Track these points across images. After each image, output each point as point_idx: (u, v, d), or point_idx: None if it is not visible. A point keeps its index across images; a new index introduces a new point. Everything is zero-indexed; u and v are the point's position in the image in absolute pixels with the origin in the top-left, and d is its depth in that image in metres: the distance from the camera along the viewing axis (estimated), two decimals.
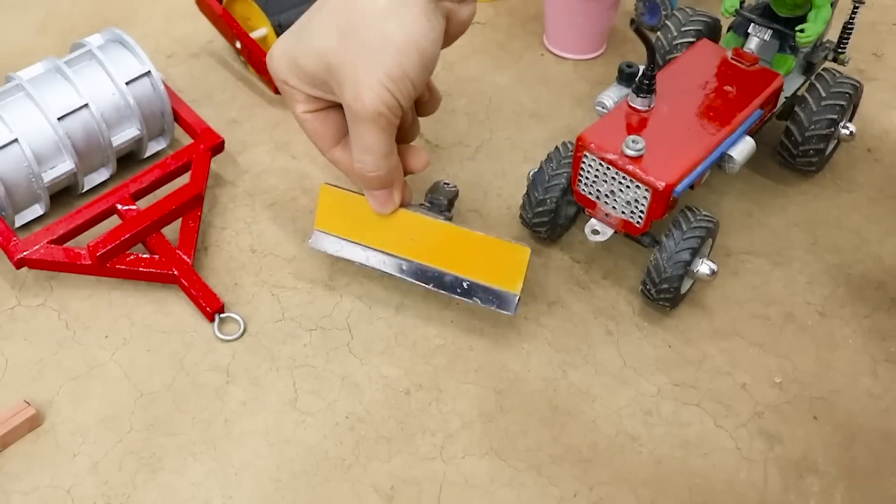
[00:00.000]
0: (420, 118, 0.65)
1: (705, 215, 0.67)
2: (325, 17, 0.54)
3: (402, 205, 0.65)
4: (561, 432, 0.63)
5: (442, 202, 0.67)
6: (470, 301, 0.65)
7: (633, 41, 0.93)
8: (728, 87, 0.70)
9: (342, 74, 0.54)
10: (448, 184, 0.68)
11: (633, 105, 0.67)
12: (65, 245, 0.69)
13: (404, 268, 0.67)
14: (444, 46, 0.58)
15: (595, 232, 0.68)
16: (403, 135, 0.63)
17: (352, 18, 0.53)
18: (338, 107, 0.59)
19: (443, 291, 0.66)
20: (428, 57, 0.55)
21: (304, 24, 0.57)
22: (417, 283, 0.66)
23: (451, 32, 0.57)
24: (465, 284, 0.65)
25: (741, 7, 0.75)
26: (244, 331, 0.68)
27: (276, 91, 0.84)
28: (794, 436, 0.64)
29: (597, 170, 0.65)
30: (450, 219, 0.66)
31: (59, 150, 0.71)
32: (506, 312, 0.65)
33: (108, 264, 0.69)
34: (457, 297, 0.66)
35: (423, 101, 0.63)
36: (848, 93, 0.74)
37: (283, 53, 0.57)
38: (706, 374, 0.67)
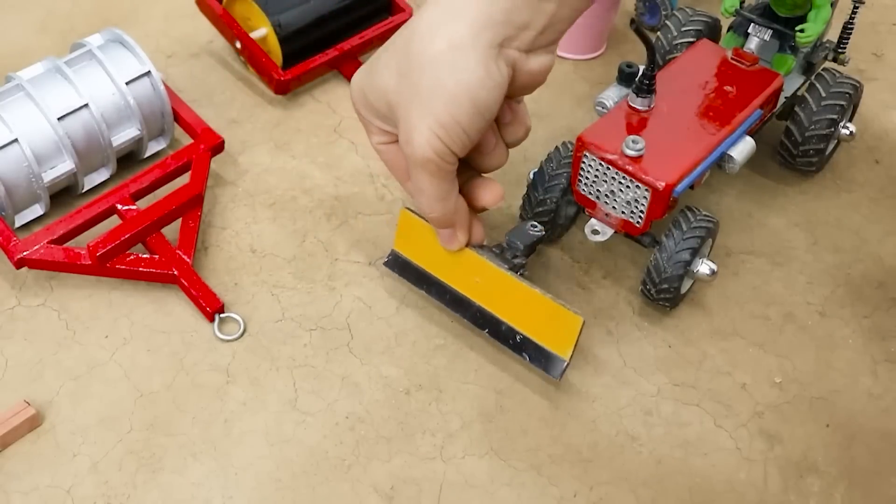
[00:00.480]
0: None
1: (705, 215, 0.67)
2: (388, 55, 0.54)
3: (472, 243, 0.63)
4: (561, 432, 0.63)
5: (518, 247, 0.65)
6: (519, 356, 0.64)
7: (633, 41, 0.93)
8: (728, 87, 0.70)
9: (397, 115, 0.54)
10: (535, 226, 0.66)
11: (633, 105, 0.67)
12: (65, 245, 0.69)
13: (464, 307, 0.66)
14: (514, 96, 0.55)
15: (595, 232, 0.68)
16: (482, 162, 0.60)
17: (409, 59, 0.52)
18: None
19: (496, 340, 0.65)
20: (483, 105, 0.52)
21: (375, 58, 0.56)
22: (474, 326, 0.66)
23: (520, 83, 0.54)
24: (518, 338, 0.64)
25: (741, 7, 0.75)
26: (244, 331, 0.68)
27: (277, 91, 0.84)
28: (794, 436, 0.64)
29: (597, 170, 0.65)
30: (523, 265, 0.65)
31: (59, 150, 0.71)
32: (551, 376, 0.63)
33: (108, 264, 0.69)
34: (508, 348, 0.65)
35: (504, 124, 0.58)
36: (848, 93, 0.74)
37: (356, 86, 0.56)
38: (706, 374, 0.67)
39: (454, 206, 0.59)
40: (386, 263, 0.69)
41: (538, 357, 0.64)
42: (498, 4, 0.51)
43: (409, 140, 0.53)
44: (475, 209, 0.61)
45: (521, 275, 0.64)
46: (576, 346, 0.62)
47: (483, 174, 0.61)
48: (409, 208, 0.66)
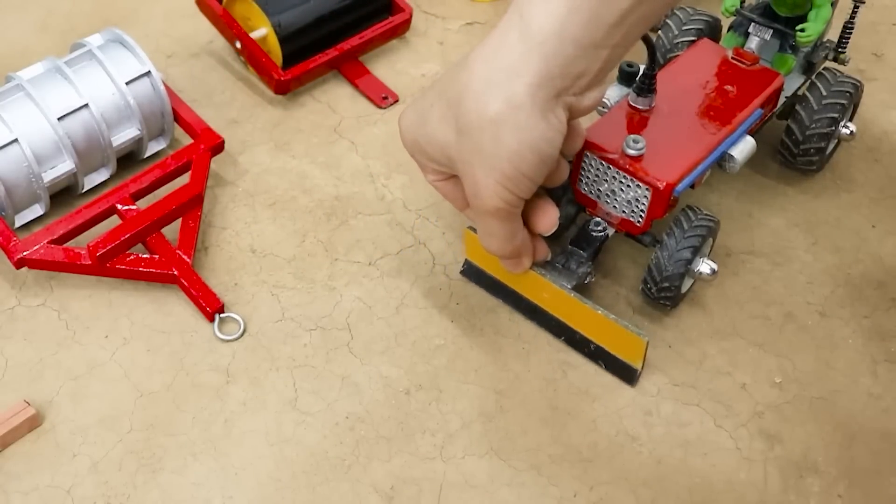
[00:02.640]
0: None
1: (706, 214, 0.67)
2: (444, 110, 0.53)
3: (537, 262, 0.64)
4: (561, 432, 0.63)
5: (581, 254, 0.66)
6: (595, 363, 0.66)
7: None
8: (728, 87, 0.70)
9: (461, 170, 0.54)
10: (598, 226, 0.67)
11: (633, 104, 0.67)
12: (65, 245, 0.69)
13: (539, 316, 0.68)
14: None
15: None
16: (547, 181, 0.60)
17: (466, 118, 0.52)
18: None
19: (572, 347, 0.67)
20: (546, 155, 0.53)
21: (425, 107, 0.55)
22: (550, 334, 0.68)
23: (574, 116, 0.55)
24: (591, 347, 0.66)
25: (741, 7, 0.75)
26: (244, 331, 0.68)
27: (277, 91, 0.84)
28: (794, 436, 0.64)
29: (597, 169, 0.65)
30: (589, 272, 0.67)
31: (59, 150, 0.71)
32: (626, 384, 0.66)
33: (108, 264, 0.69)
34: (583, 355, 0.67)
35: (565, 140, 0.58)
36: (848, 92, 0.74)
37: (409, 135, 0.57)
38: (706, 374, 0.67)
39: (523, 239, 0.60)
40: (462, 272, 0.71)
41: (612, 365, 0.66)
42: (555, 59, 0.51)
43: (477, 194, 0.54)
44: (532, 234, 0.62)
45: (588, 282, 0.67)
46: (644, 360, 0.64)
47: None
48: (471, 227, 0.67)
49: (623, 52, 0.53)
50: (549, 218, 0.62)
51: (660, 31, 0.79)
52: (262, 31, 0.84)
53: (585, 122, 0.66)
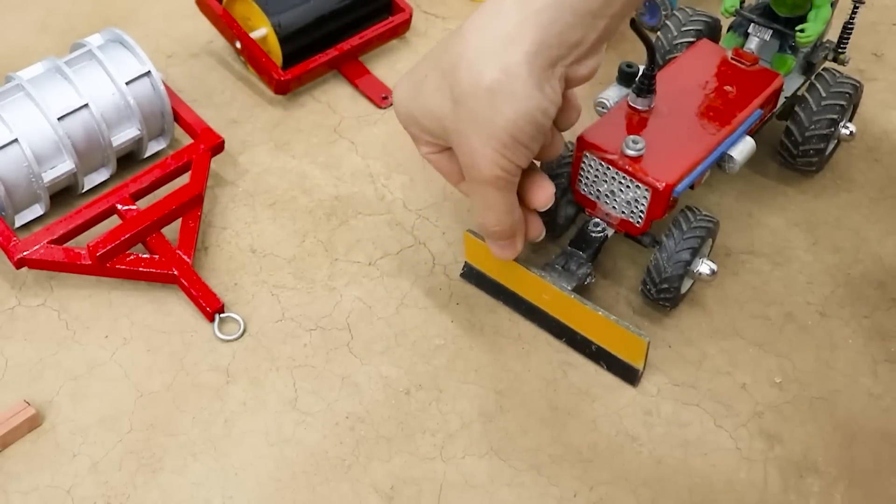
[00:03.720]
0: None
1: (705, 215, 0.67)
2: (438, 80, 0.53)
3: (532, 239, 0.63)
4: (561, 432, 0.63)
5: (580, 258, 0.67)
6: (597, 364, 0.66)
7: (633, 41, 0.93)
8: (728, 87, 0.70)
9: (457, 140, 0.54)
10: (598, 226, 0.67)
11: (633, 105, 0.67)
12: (65, 245, 0.69)
13: (541, 318, 0.68)
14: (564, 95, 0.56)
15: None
16: (540, 155, 0.59)
17: (461, 87, 0.51)
18: None
19: (573, 348, 0.67)
20: (542, 124, 0.52)
21: (419, 78, 0.55)
22: (551, 335, 0.68)
23: (570, 86, 0.55)
24: (593, 347, 0.66)
25: (741, 7, 0.75)
26: (244, 331, 0.68)
27: (277, 91, 0.84)
28: (794, 436, 0.64)
29: (597, 170, 0.65)
30: (589, 273, 0.67)
31: (59, 150, 0.71)
32: (627, 384, 0.66)
33: (108, 264, 0.69)
34: (585, 356, 0.67)
35: (560, 113, 0.58)
36: (848, 93, 0.74)
37: (403, 107, 0.56)
38: (706, 374, 0.67)
39: (519, 216, 0.59)
40: (462, 275, 0.71)
41: (614, 366, 0.66)
42: (552, 27, 0.50)
43: (474, 163, 0.54)
44: (527, 209, 0.61)
45: (588, 283, 0.67)
46: (646, 360, 0.64)
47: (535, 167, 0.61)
48: (470, 231, 0.68)
49: (620, 22, 0.53)
50: (545, 192, 0.61)
51: (659, 32, 0.79)
52: (262, 31, 0.84)
53: (585, 123, 0.66)
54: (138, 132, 0.75)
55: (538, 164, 0.62)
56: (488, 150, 0.53)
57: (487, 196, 0.56)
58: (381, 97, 0.85)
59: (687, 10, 0.79)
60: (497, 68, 0.50)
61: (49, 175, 0.71)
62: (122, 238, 0.69)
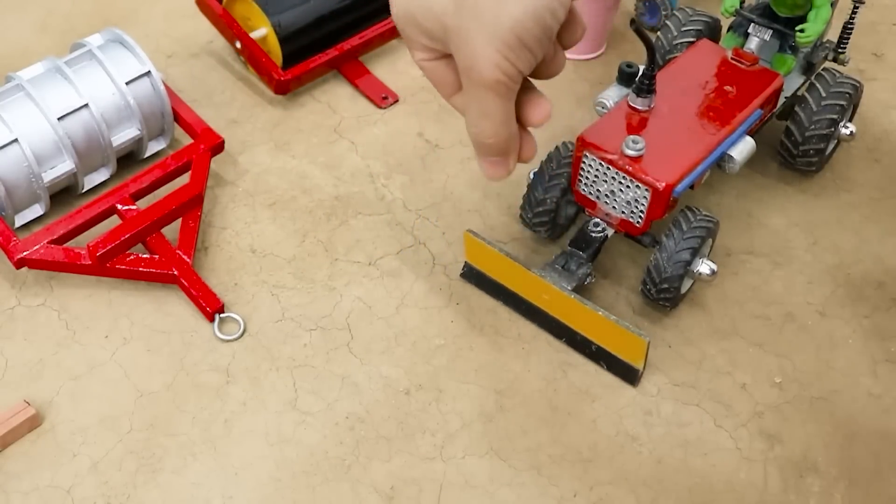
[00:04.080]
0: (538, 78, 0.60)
1: (705, 215, 0.67)
2: None
3: (524, 160, 0.61)
4: (561, 432, 0.63)
5: (580, 258, 0.67)
6: (597, 364, 0.67)
7: (633, 41, 0.93)
8: (728, 87, 0.70)
9: (457, 41, 0.53)
10: (598, 226, 0.67)
11: (633, 105, 0.67)
12: (65, 245, 0.69)
13: (541, 318, 0.68)
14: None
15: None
16: (542, 71, 0.56)
17: None
18: None
19: (573, 348, 0.67)
20: (549, 26, 0.52)
21: None
22: (551, 335, 0.68)
23: None
24: (593, 347, 0.66)
25: (741, 7, 0.75)
26: (244, 331, 0.68)
27: (277, 91, 0.84)
28: (794, 436, 0.64)
29: (597, 170, 0.65)
30: (589, 273, 0.67)
31: (59, 150, 0.71)
32: (628, 384, 0.66)
33: (108, 264, 0.69)
34: (585, 356, 0.67)
35: (564, 28, 0.55)
36: (848, 93, 0.74)
37: (402, 5, 0.55)
38: (706, 374, 0.67)
39: (515, 130, 0.58)
40: (462, 275, 0.71)
41: (614, 366, 0.66)
42: None
43: (474, 65, 0.52)
44: (522, 127, 0.60)
45: (588, 283, 0.67)
46: (646, 360, 0.64)
47: (532, 85, 0.60)
48: (470, 231, 0.68)
49: None
50: (542, 108, 0.59)
51: (659, 32, 0.79)
52: (262, 31, 0.84)
53: (585, 123, 0.66)
54: (138, 132, 0.75)
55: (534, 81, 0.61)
56: (491, 50, 0.52)
57: (485, 103, 0.55)
58: (381, 97, 0.85)
59: (687, 10, 0.79)
60: None
61: (49, 175, 0.71)
62: (122, 238, 0.69)
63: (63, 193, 0.75)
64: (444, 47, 0.56)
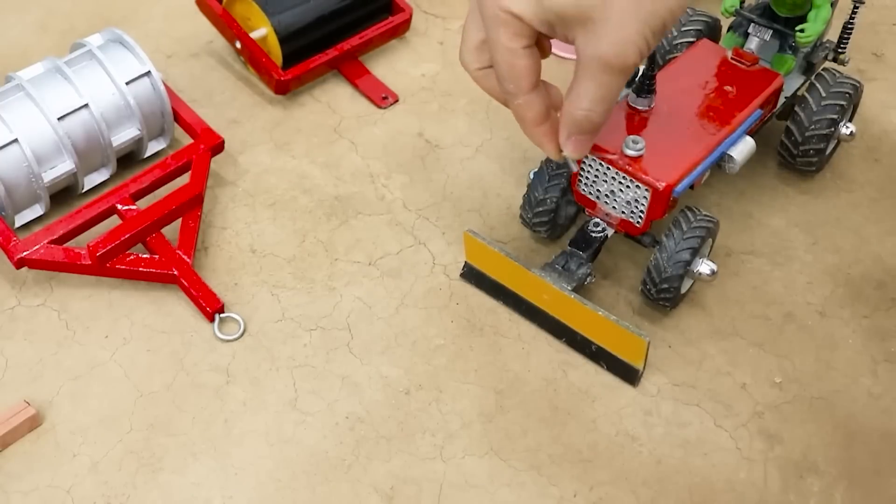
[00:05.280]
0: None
1: (705, 215, 0.67)
2: None
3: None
4: (561, 432, 0.63)
5: (580, 258, 0.67)
6: (597, 364, 0.67)
7: None
8: (728, 87, 0.70)
9: (603, 28, 0.52)
10: (598, 226, 0.67)
11: (633, 105, 0.67)
12: (65, 245, 0.69)
13: (541, 318, 0.68)
14: None
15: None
16: (547, 49, 0.58)
17: None
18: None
19: (573, 349, 0.67)
20: (683, 8, 0.53)
21: None
22: (551, 335, 0.68)
23: None
24: (593, 347, 0.66)
25: (741, 7, 0.75)
26: (244, 331, 0.68)
27: (277, 91, 0.84)
28: (794, 436, 0.64)
29: (597, 170, 0.65)
30: (589, 273, 0.67)
31: (59, 150, 0.71)
32: (628, 384, 0.66)
33: (108, 264, 0.69)
34: (585, 356, 0.67)
35: None
36: (848, 93, 0.74)
37: None
38: (706, 374, 0.67)
39: None
40: (462, 275, 0.71)
41: (614, 366, 0.66)
42: None
43: (619, 51, 0.52)
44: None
45: (588, 283, 0.67)
46: (646, 360, 0.64)
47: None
48: (470, 231, 0.67)
49: None
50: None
51: None
52: (262, 31, 0.84)
53: None
54: (138, 132, 0.75)
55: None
56: (639, 36, 0.52)
57: (612, 85, 0.55)
58: (381, 97, 0.85)
59: (687, 10, 0.79)
60: None
61: (49, 175, 0.71)
62: (122, 238, 0.69)
63: (63, 193, 0.75)
64: (554, 33, 0.55)
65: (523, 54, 0.55)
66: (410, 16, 0.89)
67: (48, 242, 0.69)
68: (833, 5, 0.74)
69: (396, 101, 0.86)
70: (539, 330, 0.68)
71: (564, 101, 0.56)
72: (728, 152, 0.67)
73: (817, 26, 0.72)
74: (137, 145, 0.77)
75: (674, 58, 0.74)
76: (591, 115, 0.56)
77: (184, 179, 0.74)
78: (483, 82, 0.57)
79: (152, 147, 0.78)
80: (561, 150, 0.58)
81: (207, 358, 0.66)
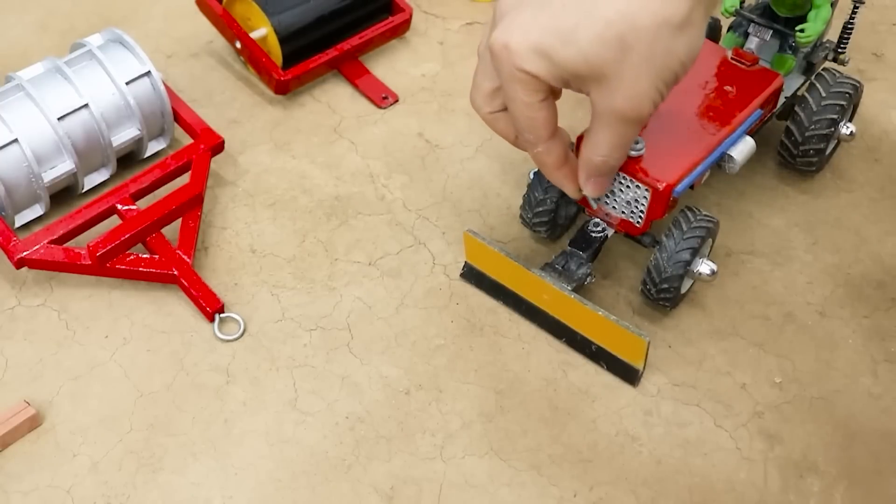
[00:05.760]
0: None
1: (705, 215, 0.67)
2: (599, 28, 0.52)
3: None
4: (561, 432, 0.63)
5: (580, 258, 0.67)
6: (597, 364, 0.67)
7: None
8: (728, 87, 0.70)
9: (616, 83, 0.54)
10: (598, 226, 0.67)
11: None
12: (65, 245, 0.69)
13: (540, 318, 0.68)
14: None
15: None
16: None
17: (636, 34, 0.52)
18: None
19: (573, 349, 0.67)
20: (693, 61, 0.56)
21: (565, 25, 0.54)
22: (551, 335, 0.68)
23: None
24: (593, 347, 0.66)
25: (741, 7, 0.75)
26: (244, 331, 0.68)
27: (277, 91, 0.84)
28: (794, 436, 0.64)
29: None
30: (589, 273, 0.67)
31: (59, 150, 0.71)
32: (628, 384, 0.66)
33: (108, 264, 0.69)
34: (585, 356, 0.67)
35: None
36: (848, 93, 0.74)
37: (534, 50, 0.54)
38: (706, 374, 0.67)
39: None
40: (462, 275, 0.71)
41: (614, 366, 0.66)
42: None
43: (637, 105, 0.54)
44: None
45: (588, 283, 0.67)
46: (646, 360, 0.64)
47: None
48: (470, 231, 0.67)
49: None
50: None
51: None
52: (262, 31, 0.84)
53: (585, 123, 0.66)
54: (138, 132, 0.75)
55: None
56: (653, 89, 0.54)
57: (627, 133, 0.57)
58: (381, 97, 0.85)
59: None
60: (685, 5, 0.52)
61: (49, 175, 0.71)
62: (122, 238, 0.69)
63: (63, 193, 0.75)
64: (568, 86, 0.57)
65: (541, 107, 0.57)
66: (410, 16, 0.89)
67: (48, 242, 0.69)
68: (833, 5, 0.74)
69: (396, 101, 0.86)
70: (539, 330, 0.68)
71: (581, 147, 0.59)
72: (728, 152, 0.67)
73: (817, 26, 0.72)
74: (137, 145, 0.77)
75: None
76: (608, 160, 0.59)
77: (184, 179, 0.74)
78: (495, 125, 0.60)
79: (152, 147, 0.78)
80: (580, 190, 0.61)
81: (207, 358, 0.66)
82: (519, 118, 0.58)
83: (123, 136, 0.75)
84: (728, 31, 0.77)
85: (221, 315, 0.68)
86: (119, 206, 0.71)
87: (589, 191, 0.62)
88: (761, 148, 0.75)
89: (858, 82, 0.76)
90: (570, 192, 0.62)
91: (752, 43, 0.74)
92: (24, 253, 0.68)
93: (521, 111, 0.57)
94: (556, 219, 0.71)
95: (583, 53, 0.54)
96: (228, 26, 0.84)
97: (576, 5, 0.53)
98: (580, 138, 0.65)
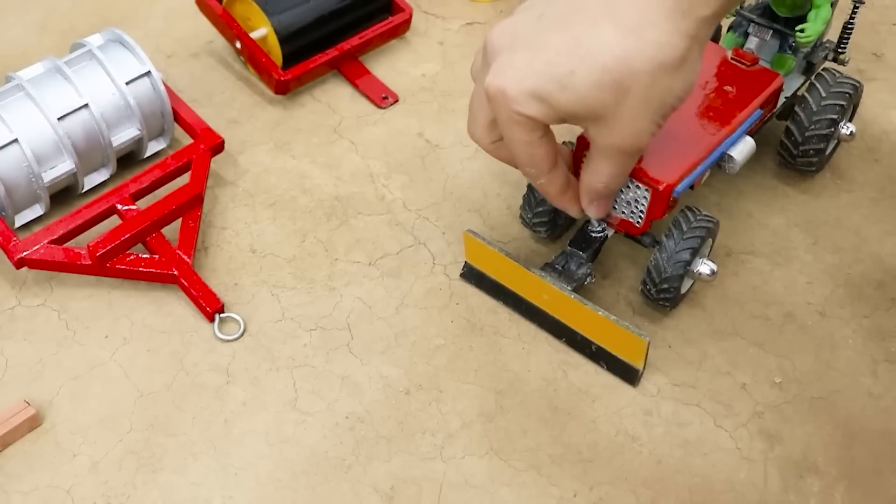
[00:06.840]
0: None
1: (705, 215, 0.67)
2: (596, 73, 0.53)
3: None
4: (561, 432, 0.63)
5: (580, 258, 0.67)
6: (597, 364, 0.67)
7: None
8: (728, 87, 0.70)
9: (614, 122, 0.55)
10: (597, 226, 0.67)
11: None
12: (65, 245, 0.69)
13: (541, 318, 0.68)
14: None
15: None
16: None
17: (633, 78, 0.52)
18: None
19: (573, 348, 0.67)
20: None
21: (561, 70, 0.53)
22: (551, 335, 0.68)
23: None
24: (593, 347, 0.66)
25: (741, 7, 0.75)
26: (244, 331, 0.68)
27: (277, 91, 0.84)
28: (794, 436, 0.64)
29: None
30: (589, 273, 0.67)
31: (59, 150, 0.71)
32: (628, 384, 0.66)
33: (108, 264, 0.69)
34: (585, 356, 0.67)
35: None
36: (848, 93, 0.74)
37: (531, 96, 0.54)
38: (706, 374, 0.67)
39: None
40: (462, 275, 0.71)
41: (614, 366, 0.66)
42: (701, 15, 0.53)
43: (636, 142, 0.55)
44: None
45: (588, 283, 0.67)
46: (646, 360, 0.64)
47: None
48: (470, 231, 0.67)
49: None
50: None
51: None
52: (262, 31, 0.84)
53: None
54: (138, 132, 0.75)
55: None
56: (652, 124, 0.55)
57: (627, 165, 0.59)
58: (381, 97, 0.85)
59: None
60: (681, 46, 0.52)
61: (49, 175, 0.71)
62: (122, 238, 0.69)
63: (63, 193, 0.75)
64: (564, 122, 0.57)
65: (540, 143, 0.58)
66: (410, 16, 0.89)
67: (48, 242, 0.69)
68: (833, 5, 0.74)
69: (396, 101, 0.86)
70: (539, 330, 0.68)
71: (582, 173, 0.61)
72: (728, 152, 0.67)
73: (817, 26, 0.72)
74: (137, 145, 0.77)
75: None
76: (608, 186, 0.61)
77: (184, 179, 0.74)
78: (497, 154, 0.61)
79: (152, 147, 0.78)
80: (583, 211, 0.63)
81: (207, 358, 0.66)
82: (519, 155, 0.58)
83: (123, 136, 0.75)
84: (728, 31, 0.77)
85: (221, 315, 0.68)
86: (119, 206, 0.71)
87: (592, 213, 0.63)
88: (761, 148, 0.75)
89: (858, 82, 0.76)
90: (574, 213, 0.63)
91: (752, 43, 0.74)
92: (24, 253, 0.68)
93: (520, 149, 0.58)
94: (556, 219, 0.71)
95: (580, 98, 0.54)
96: (228, 26, 0.84)
97: (571, 50, 0.53)
98: (580, 138, 0.65)
